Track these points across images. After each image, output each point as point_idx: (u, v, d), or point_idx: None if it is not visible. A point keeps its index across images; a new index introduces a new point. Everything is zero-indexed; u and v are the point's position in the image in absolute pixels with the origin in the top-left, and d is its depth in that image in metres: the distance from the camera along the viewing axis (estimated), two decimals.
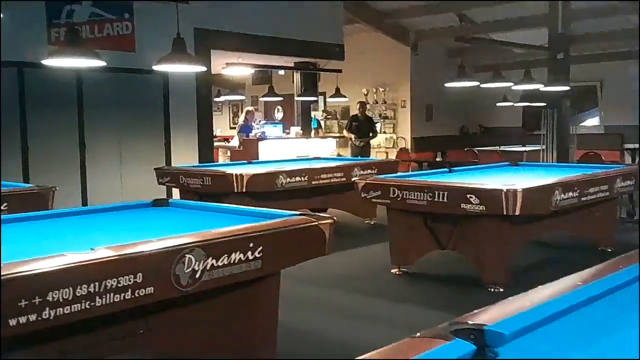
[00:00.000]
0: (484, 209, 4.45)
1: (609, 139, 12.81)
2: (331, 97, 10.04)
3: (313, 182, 6.81)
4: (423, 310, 4.37)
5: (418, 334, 1.33)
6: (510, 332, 1.30)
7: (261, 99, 11.06)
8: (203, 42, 8.85)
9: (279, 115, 15.91)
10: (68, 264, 2.14)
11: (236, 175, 6.09)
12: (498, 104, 11.65)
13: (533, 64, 10.73)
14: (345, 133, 11.48)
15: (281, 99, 10.84)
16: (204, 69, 5.02)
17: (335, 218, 3.24)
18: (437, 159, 9.72)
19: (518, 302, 1.54)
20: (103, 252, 2.27)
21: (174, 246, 2.47)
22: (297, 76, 11.14)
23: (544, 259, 5.94)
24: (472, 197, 4.49)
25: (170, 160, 8.70)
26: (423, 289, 4.96)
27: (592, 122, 13.58)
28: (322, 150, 11.07)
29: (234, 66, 9.38)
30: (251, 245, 2.74)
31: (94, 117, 7.96)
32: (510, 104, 11.56)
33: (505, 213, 4.36)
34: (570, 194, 4.89)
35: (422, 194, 4.78)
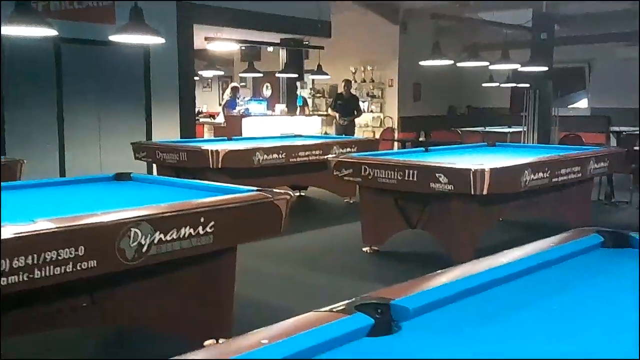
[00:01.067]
0: (452, 188, 4.45)
1: (596, 121, 12.81)
2: (313, 73, 9.95)
3: (291, 160, 6.78)
4: (385, 284, 4.38)
5: (323, 309, 1.32)
6: (415, 307, 1.29)
7: (241, 75, 10.95)
8: (185, 16, 8.76)
9: (267, 92, 15.82)
10: (4, 236, 2.12)
11: (212, 151, 6.06)
12: (484, 85, 11.61)
13: (519, 45, 10.69)
14: (329, 111, 11.46)
15: (261, 74, 10.74)
16: (161, 40, 4.91)
17: (292, 194, 3.23)
18: (420, 139, 9.69)
19: (431, 280, 1.53)
20: (43, 224, 2.25)
21: (118, 220, 2.45)
22: (282, 53, 11.04)
23: (514, 239, 5.92)
24: (440, 176, 4.48)
25: (151, 135, 8.65)
26: (392, 268, 4.97)
27: (579, 104, 13.56)
28: (307, 128, 11.02)
29: (214, 41, 9.28)
30: (202, 220, 2.73)
31: (73, 91, 7.89)
32: (496, 84, 11.52)
33: (472, 192, 4.35)
34: (541, 174, 4.89)
35: (392, 172, 4.77)
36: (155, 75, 8.65)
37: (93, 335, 3.33)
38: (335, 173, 5.17)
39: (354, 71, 13.54)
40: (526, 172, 4.73)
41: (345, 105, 10.94)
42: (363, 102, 13.42)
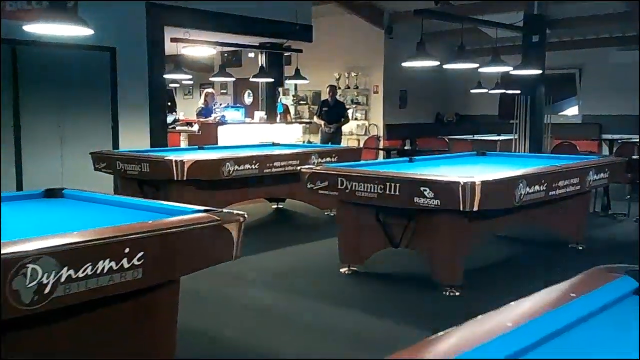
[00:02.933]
0: (439, 203, 3.94)
1: (587, 128, 12.41)
2: (291, 78, 9.41)
3: (265, 171, 6.26)
4: (368, 317, 3.86)
5: None
6: None
7: (211, 79, 10.39)
8: (156, 17, 8.23)
9: (248, 99, 15.31)
10: None
11: (175, 161, 5.52)
12: (472, 91, 11.16)
13: (510, 50, 10.26)
14: (315, 119, 10.94)
15: (233, 78, 10.14)
16: (88, 32, 4.25)
17: (246, 215, 2.70)
18: (406, 147, 9.20)
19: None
20: None
21: (9, 254, 1.91)
22: (262, 58, 10.52)
23: (506, 256, 5.47)
24: (426, 190, 3.98)
25: (118, 144, 8.07)
26: (372, 292, 4.44)
27: (570, 111, 13.15)
28: (288, 136, 10.50)
29: (186, 43, 8.76)
30: (127, 251, 2.19)
31: (31, 96, 7.30)
32: (485, 90, 11.07)
33: (461, 208, 3.85)
34: (537, 187, 4.40)
35: (372, 185, 4.26)
36: (123, 80, 8.08)
37: None
38: (308, 186, 4.65)
39: (337, 77, 13.05)
40: (520, 185, 4.23)
41: (331, 112, 10.43)
42: (347, 109, 12.93)
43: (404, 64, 4.78)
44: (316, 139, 13.65)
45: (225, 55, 15.60)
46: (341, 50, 12.91)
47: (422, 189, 4.00)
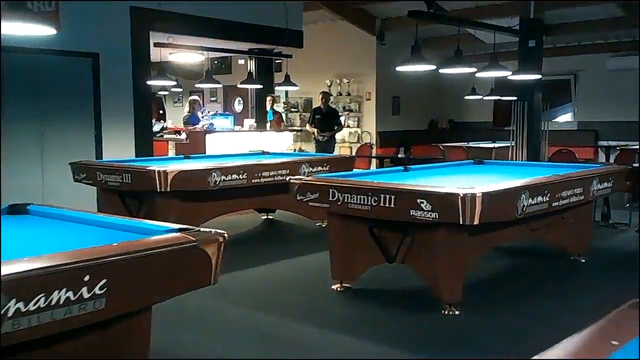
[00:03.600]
0: (437, 216, 3.69)
1: (583, 135, 12.22)
2: (280, 84, 9.14)
3: (253, 181, 5.98)
4: (361, 341, 3.59)
5: None
6: None
7: (197, 85, 10.06)
8: (141, 22, 7.96)
9: (239, 107, 15.04)
10: None
11: (158, 171, 5.24)
12: (466, 97, 10.94)
13: (505, 57, 10.06)
14: (307, 127, 10.61)
15: (220, 85, 9.79)
16: (51, 31, 3.95)
17: (226, 235, 2.43)
18: (400, 155, 8.95)
19: None
20: None
21: None
22: (251, 64, 10.28)
23: (506, 271, 5.22)
24: (422, 203, 3.72)
25: (102, 154, 7.78)
26: (365, 311, 4.17)
27: (565, 117, 12.97)
28: (279, 144, 10.24)
29: (164, 47, 8.49)
30: (87, 278, 1.91)
31: (10, 104, 7.01)
32: (479, 97, 10.85)
33: (461, 222, 3.60)
34: (540, 198, 4.15)
35: (365, 197, 4.00)
36: (107, 87, 7.80)
37: None
38: (298, 198, 4.39)
39: (329, 84, 12.83)
40: (523, 196, 3.99)
41: (324, 120, 10.13)
42: (340, 116, 12.69)
43: (399, 68, 4.54)
44: (309, 147, 13.41)
45: (215, 62, 15.38)
46: (333, 56, 12.69)
47: (418, 201, 3.74)
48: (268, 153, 7.79)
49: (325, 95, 10.47)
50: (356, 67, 12.66)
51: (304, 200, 4.35)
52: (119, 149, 7.89)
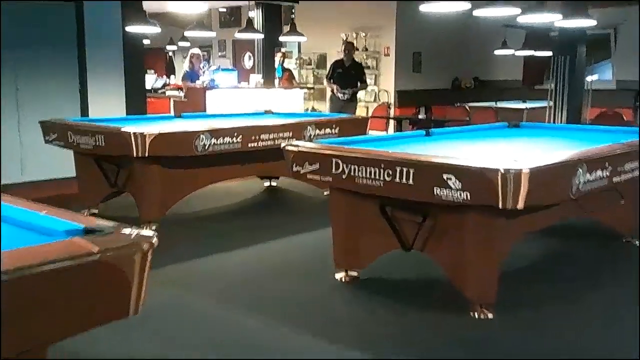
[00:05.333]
0: (469, 197, 2.85)
1: (622, 95, 11.11)
2: (284, 35, 8.12)
3: (250, 145, 5.17)
4: (370, 350, 2.81)
5: None
6: None
7: (186, 33, 8.83)
8: None
9: (249, 63, 14.12)
10: None
11: (135, 134, 4.44)
12: (496, 52, 9.91)
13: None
14: (325, 83, 9.29)
15: (213, 34, 8.65)
16: None
17: (155, 240, 1.63)
18: (420, 116, 8.05)
19: None
20: None
21: None
22: (257, 14, 9.33)
23: (545, 255, 4.37)
24: (450, 179, 2.88)
25: (87, 111, 7.00)
26: (375, 311, 3.37)
27: (603, 76, 11.85)
28: (288, 103, 9.37)
29: None
30: None
31: None
32: (511, 51, 9.81)
33: (501, 205, 2.76)
34: (599, 173, 3.28)
35: (377, 170, 3.17)
36: (92, 37, 6.97)
37: None
38: (294, 169, 3.56)
39: (344, 38, 11.79)
40: (580, 171, 3.12)
41: (346, 75, 8.75)
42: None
43: (423, 7, 3.62)
44: (322, 107, 12.51)
45: (224, 14, 14.41)
46: (348, 8, 11.63)
47: (445, 176, 2.90)
48: (271, 112, 6.94)
49: (349, 46, 9.07)
50: (374, 20, 11.61)
51: (302, 172, 3.53)
52: (107, 106, 7.11)
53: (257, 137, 5.20)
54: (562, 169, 3.02)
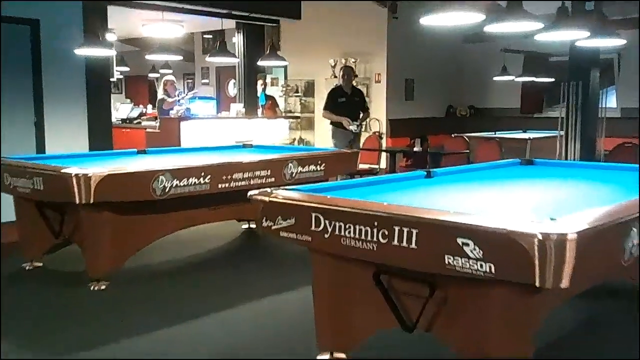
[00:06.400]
0: (493, 270, 2.11)
1: (626, 123, 10.50)
2: (264, 58, 7.36)
3: (220, 186, 4.43)
4: None
5: None
6: None
7: (149, 57, 7.64)
8: None
9: (234, 91, 13.45)
10: None
11: (77, 176, 3.68)
12: (495, 78, 9.29)
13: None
14: (325, 115, 7.74)
15: (180, 58, 7.77)
16: None
17: None
18: (415, 149, 7.36)
19: None
20: None
21: None
22: (238, 38, 8.67)
23: (582, 325, 3.60)
24: (467, 245, 2.15)
25: (44, 146, 6.25)
26: None
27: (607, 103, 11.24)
28: (272, 134, 8.69)
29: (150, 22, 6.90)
30: None
31: None
32: (511, 78, 9.18)
33: (539, 284, 2.02)
34: None
35: (369, 229, 2.43)
36: (50, 62, 6.25)
37: None
38: (264, 224, 2.81)
39: (333, 64, 11.17)
40: (634, 230, 2.38)
41: (350, 104, 7.51)
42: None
43: (425, 20, 2.91)
44: (310, 137, 11.82)
45: (207, 40, 13.79)
46: (337, 33, 11.03)
47: (460, 241, 2.16)
48: (251, 146, 6.21)
49: (348, 70, 7.78)
50: (364, 45, 11.00)
51: (273, 228, 2.77)
52: (67, 140, 6.37)
53: (229, 177, 4.46)
54: (615, 229, 2.29)
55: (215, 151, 5.73)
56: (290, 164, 4.86)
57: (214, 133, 7.82)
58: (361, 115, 7.62)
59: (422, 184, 3.38)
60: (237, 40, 8.70)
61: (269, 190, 2.89)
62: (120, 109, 10.76)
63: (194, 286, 4.27)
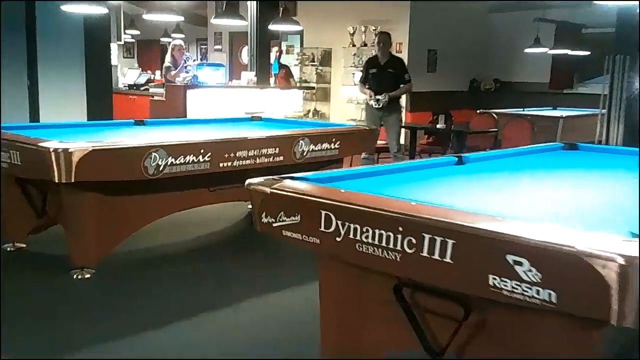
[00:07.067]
0: (553, 299, 1.62)
1: None
2: (275, 22, 6.76)
3: (222, 165, 3.96)
4: None
5: None
6: None
7: (145, 17, 6.72)
8: None
9: (247, 58, 12.89)
10: None
11: (56, 152, 3.22)
12: (527, 50, 8.64)
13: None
14: (360, 89, 7.12)
15: (181, 19, 7.02)
16: None
17: None
18: (438, 126, 6.80)
19: None
20: None
21: None
22: (252, 3, 8.10)
23: None
24: (521, 265, 1.66)
25: (38, 114, 5.82)
26: None
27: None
28: (285, 105, 8.18)
29: None
30: None
31: None
32: (544, 50, 8.53)
33: (617, 323, 1.53)
34: None
35: (392, 235, 1.94)
36: (45, 23, 5.77)
37: None
38: (263, 220, 2.33)
39: (352, 32, 10.58)
40: None
41: (381, 76, 6.72)
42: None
43: None
44: (325, 109, 11.29)
45: (220, 3, 13.19)
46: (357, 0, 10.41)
47: (511, 259, 1.67)
48: (260, 119, 5.72)
49: (383, 37, 6.86)
50: (385, 12, 10.35)
51: (275, 225, 2.30)
52: (64, 108, 5.93)
53: (232, 155, 3.99)
54: None
55: (220, 124, 5.26)
56: (301, 142, 4.37)
57: (222, 103, 7.32)
58: (402, 87, 6.76)
59: (453, 172, 2.87)
60: (250, 3, 8.12)
61: (271, 178, 2.41)
62: (128, 74, 10.29)
63: (189, 278, 3.83)
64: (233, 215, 5.22)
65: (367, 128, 5.06)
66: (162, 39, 14.77)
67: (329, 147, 4.57)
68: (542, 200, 2.35)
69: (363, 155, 6.25)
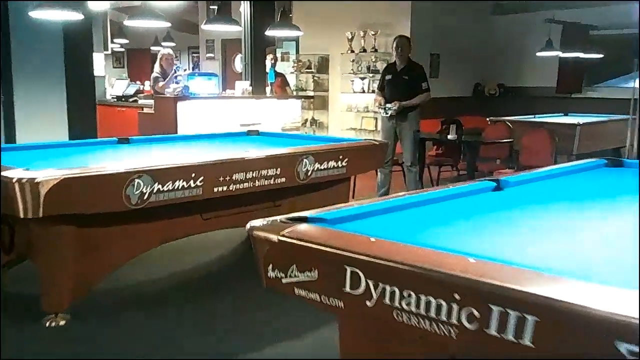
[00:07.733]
0: None
1: None
2: (273, 28, 6.18)
3: (216, 190, 3.47)
4: None
5: None
6: None
7: (126, 23, 6.03)
8: None
9: (240, 66, 12.43)
10: None
11: (20, 183, 2.73)
12: (539, 54, 8.19)
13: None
14: (376, 96, 6.63)
15: (168, 24, 6.53)
16: None
17: None
18: (450, 136, 6.33)
19: None
20: None
21: None
22: (246, 6, 7.63)
23: None
24: (636, 355, 1.16)
25: (14, 135, 5.31)
26: None
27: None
28: (282, 116, 7.71)
29: None
30: None
31: None
32: (555, 53, 8.09)
33: None
34: None
35: (444, 305, 1.46)
36: (20, 33, 5.28)
37: None
38: (270, 275, 1.84)
39: (350, 37, 10.12)
40: None
41: (396, 83, 6.26)
42: (363, 79, 10.03)
43: None
44: (323, 118, 10.82)
45: (211, 8, 12.72)
46: (355, 2, 9.95)
47: (623, 348, 1.19)
48: (257, 133, 5.24)
49: (402, 42, 6.33)
50: (385, 15, 9.91)
51: (285, 281, 1.81)
52: (43, 124, 5.43)
53: (227, 179, 3.50)
54: None
55: (214, 140, 4.78)
56: (305, 160, 3.88)
57: (216, 115, 6.84)
58: (418, 95, 6.20)
59: (495, 203, 2.39)
60: (244, 8, 7.65)
61: (279, 221, 1.91)
62: (116, 85, 9.80)
63: (183, 321, 3.33)
64: (231, 240, 4.72)
65: (376, 142, 4.58)
66: (152, 48, 14.29)
67: (335, 165, 4.09)
68: (624, 244, 1.86)
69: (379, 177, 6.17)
